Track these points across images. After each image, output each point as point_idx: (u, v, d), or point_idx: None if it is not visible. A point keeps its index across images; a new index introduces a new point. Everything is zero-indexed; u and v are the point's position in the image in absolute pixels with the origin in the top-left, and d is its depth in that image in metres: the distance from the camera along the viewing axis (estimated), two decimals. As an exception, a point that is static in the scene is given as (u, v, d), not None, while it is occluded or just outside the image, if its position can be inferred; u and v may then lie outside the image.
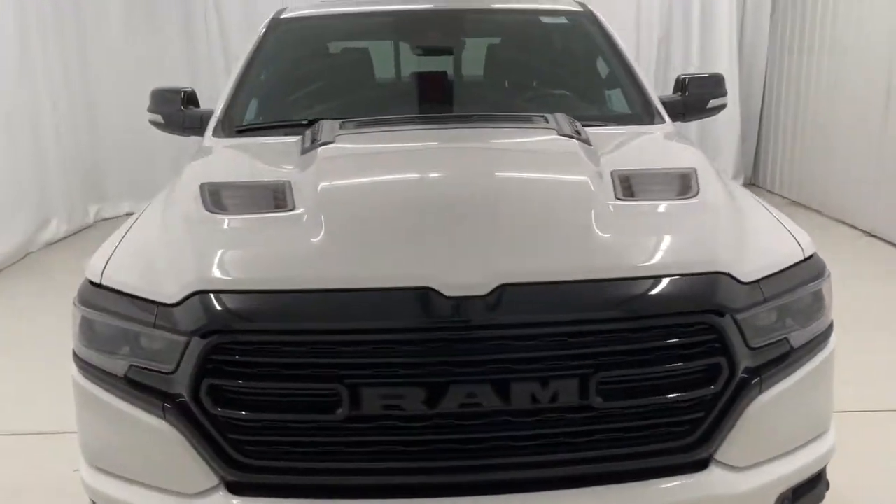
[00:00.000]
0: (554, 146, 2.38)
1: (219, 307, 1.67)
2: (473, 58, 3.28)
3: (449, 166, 2.30)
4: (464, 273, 1.68)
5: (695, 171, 2.19)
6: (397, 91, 3.42)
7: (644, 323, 1.67)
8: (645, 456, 1.75)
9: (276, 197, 2.04)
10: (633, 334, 1.67)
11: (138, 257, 1.91)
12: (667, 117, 2.93)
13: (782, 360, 1.82)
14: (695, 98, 3.16)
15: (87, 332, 1.88)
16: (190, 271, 1.75)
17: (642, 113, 2.96)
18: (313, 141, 2.40)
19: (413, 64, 3.38)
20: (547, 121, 2.53)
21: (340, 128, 2.50)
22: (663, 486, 1.76)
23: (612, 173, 2.11)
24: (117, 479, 1.88)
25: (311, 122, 2.71)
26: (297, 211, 1.94)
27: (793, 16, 7.32)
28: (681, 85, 3.21)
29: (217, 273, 1.75)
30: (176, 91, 3.20)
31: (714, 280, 1.73)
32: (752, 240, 1.92)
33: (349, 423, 1.67)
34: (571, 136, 2.35)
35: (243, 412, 1.69)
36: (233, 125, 2.92)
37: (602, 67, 3.28)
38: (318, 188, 2.01)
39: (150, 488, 1.82)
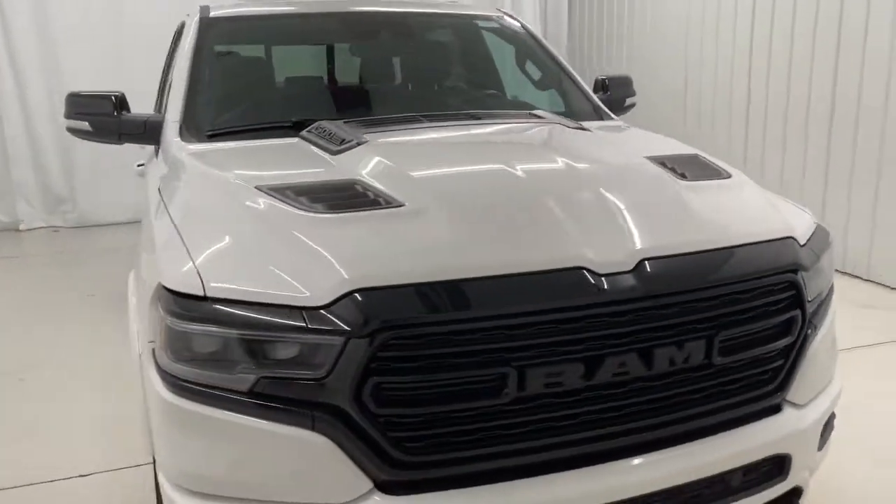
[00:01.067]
0: (595, 136, 2.56)
1: (383, 303, 1.64)
2: (413, 60, 3.34)
3: (531, 155, 2.38)
4: (610, 252, 1.79)
5: (701, 155, 2.48)
6: (354, 93, 3.38)
7: (752, 284, 1.89)
8: (742, 405, 1.97)
9: (360, 194, 2.00)
10: (743, 295, 1.88)
11: (244, 264, 1.79)
12: (612, 114, 3.21)
13: (820, 307, 2.14)
14: (617, 97, 3.48)
15: (186, 348, 1.73)
16: (336, 271, 1.68)
17: (591, 110, 3.21)
18: (342, 141, 2.36)
19: (350, 66, 3.37)
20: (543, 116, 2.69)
21: (364, 126, 2.50)
22: (755, 430, 1.99)
23: (648, 158, 2.32)
24: (231, 501, 1.75)
25: (297, 124, 2.66)
26: (410, 206, 1.91)
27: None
28: (601, 85, 3.50)
29: (370, 270, 1.70)
30: (104, 96, 2.94)
31: (791, 243, 2.01)
32: (785, 210, 2.23)
33: (513, 405, 1.71)
34: (582, 129, 2.53)
35: (409, 408, 1.67)
36: (201, 130, 2.74)
37: (534, 69, 3.48)
38: (416, 181, 2.01)
39: (283, 506, 1.72)
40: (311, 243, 1.79)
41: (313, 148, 2.44)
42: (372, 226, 1.86)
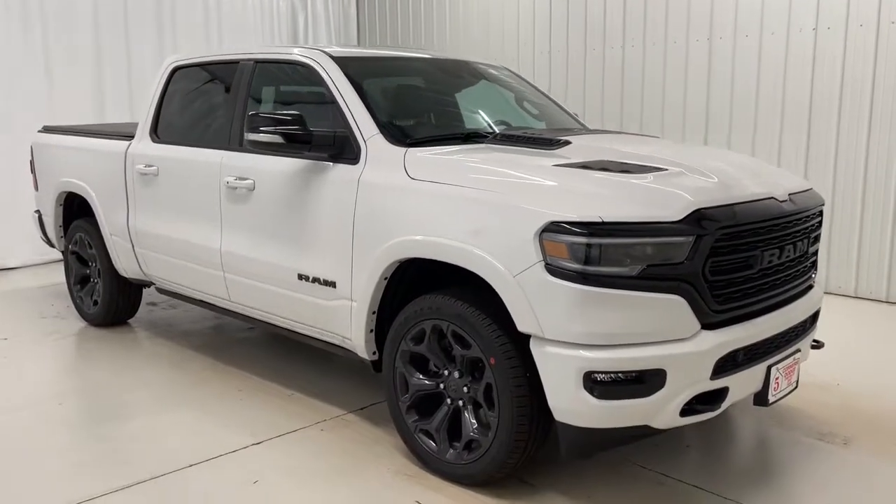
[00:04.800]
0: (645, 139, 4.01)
1: (716, 216, 2.90)
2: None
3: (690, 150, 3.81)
4: (780, 191, 3.25)
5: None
6: (459, 114, 4.43)
7: (820, 208, 3.50)
8: (809, 279, 3.57)
9: (637, 166, 3.19)
10: (817, 213, 3.47)
11: (612, 203, 2.89)
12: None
13: None
14: None
15: (597, 255, 2.81)
16: (686, 199, 2.89)
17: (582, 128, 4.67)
18: (552, 142, 3.51)
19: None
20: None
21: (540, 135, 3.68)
22: (812, 294, 3.59)
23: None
24: (622, 347, 2.85)
25: (469, 136, 3.75)
26: (673, 170, 3.17)
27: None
28: None
29: (700, 197, 2.93)
30: (296, 114, 3.69)
31: (817, 194, 3.64)
32: None
33: (758, 273, 3.09)
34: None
35: (722, 276, 2.95)
36: (402, 140, 3.65)
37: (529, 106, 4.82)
38: (651, 158, 3.30)
39: (655, 344, 2.86)
40: (656, 186, 2.98)
41: (519, 147, 3.53)
42: (672, 178, 3.09)
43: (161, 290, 5.26)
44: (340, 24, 10.39)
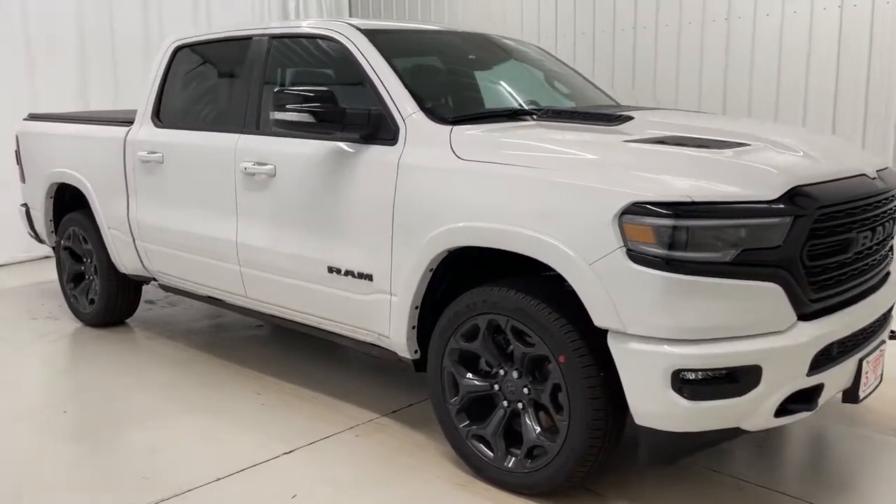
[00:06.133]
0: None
1: (815, 194, 2.61)
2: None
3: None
4: (869, 167, 2.97)
5: None
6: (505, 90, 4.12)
7: None
8: (887, 267, 3.29)
9: (712, 141, 2.90)
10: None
11: (695, 183, 2.59)
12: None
13: None
14: None
15: (685, 239, 2.51)
16: (780, 176, 2.60)
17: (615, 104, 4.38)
18: (613, 117, 3.21)
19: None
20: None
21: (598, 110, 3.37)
22: (892, 283, 3.32)
23: None
24: (713, 342, 2.55)
25: (515, 113, 3.44)
26: (755, 144, 2.88)
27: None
28: None
29: (796, 174, 2.64)
30: (326, 91, 3.35)
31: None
32: None
33: (853, 257, 2.80)
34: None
35: (819, 261, 2.66)
36: (444, 118, 3.32)
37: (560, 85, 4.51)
38: (729, 132, 3.00)
39: (749, 338, 2.57)
40: (745, 162, 2.69)
41: (575, 124, 3.22)
42: (758, 153, 2.80)
43: (165, 287, 4.90)
44: (332, 2, 10.00)
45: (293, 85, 3.96)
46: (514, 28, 8.23)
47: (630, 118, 3.24)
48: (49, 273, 6.95)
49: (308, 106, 3.32)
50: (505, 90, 4.03)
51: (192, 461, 3.35)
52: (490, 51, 4.29)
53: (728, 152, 2.79)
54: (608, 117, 3.25)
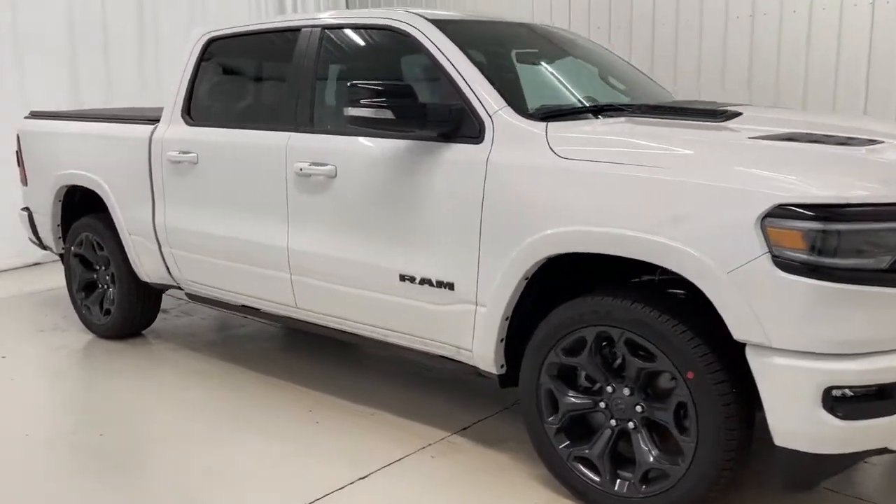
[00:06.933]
0: None
1: None
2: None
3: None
4: None
5: None
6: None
7: None
8: None
9: (840, 138, 2.70)
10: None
11: (847, 178, 2.38)
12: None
13: None
14: None
15: (835, 245, 2.30)
16: None
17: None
18: (716, 113, 2.99)
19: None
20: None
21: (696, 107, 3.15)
22: None
23: None
24: (867, 356, 2.33)
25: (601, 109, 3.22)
26: (881, 142, 2.66)
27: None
28: None
29: None
30: (406, 86, 3.13)
31: None
32: None
33: None
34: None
35: None
36: (533, 115, 3.08)
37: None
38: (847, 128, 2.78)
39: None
40: (886, 162, 2.49)
41: (678, 120, 3.00)
42: (893, 151, 2.60)
43: (191, 297, 4.58)
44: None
45: (351, 79, 3.69)
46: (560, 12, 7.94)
47: (737, 114, 3.04)
48: (45, 280, 6.61)
49: (387, 101, 3.05)
50: (578, 85, 3.79)
51: (259, 489, 3.07)
52: (554, 43, 4.05)
53: (862, 150, 2.59)
54: (712, 113, 3.03)
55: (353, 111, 3.11)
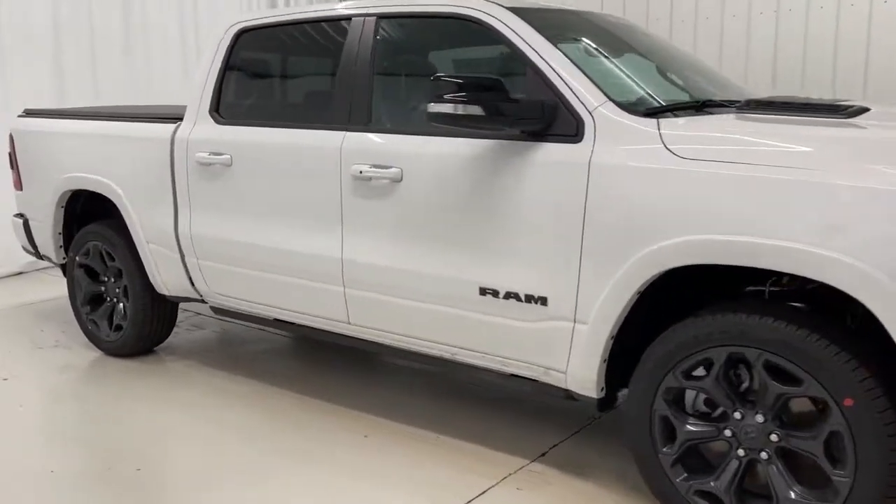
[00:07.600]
0: None
1: None
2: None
3: None
4: None
5: None
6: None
7: None
8: None
9: None
10: None
11: None
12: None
13: None
14: None
15: None
16: None
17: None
18: (841, 109, 2.72)
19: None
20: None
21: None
22: None
23: None
24: None
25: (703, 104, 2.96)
26: None
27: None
28: None
29: None
30: (495, 80, 2.79)
31: None
32: None
33: None
34: None
35: None
36: (636, 111, 2.78)
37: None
38: None
39: None
40: None
41: (796, 116, 2.72)
42: None
43: (218, 310, 4.21)
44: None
45: (414, 73, 3.37)
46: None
47: (865, 109, 2.78)
48: (35, 291, 6.17)
49: (476, 97, 2.73)
50: (667, 78, 3.49)
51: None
52: (633, 35, 3.74)
53: None
54: (835, 108, 2.76)
55: (437, 108, 2.78)
